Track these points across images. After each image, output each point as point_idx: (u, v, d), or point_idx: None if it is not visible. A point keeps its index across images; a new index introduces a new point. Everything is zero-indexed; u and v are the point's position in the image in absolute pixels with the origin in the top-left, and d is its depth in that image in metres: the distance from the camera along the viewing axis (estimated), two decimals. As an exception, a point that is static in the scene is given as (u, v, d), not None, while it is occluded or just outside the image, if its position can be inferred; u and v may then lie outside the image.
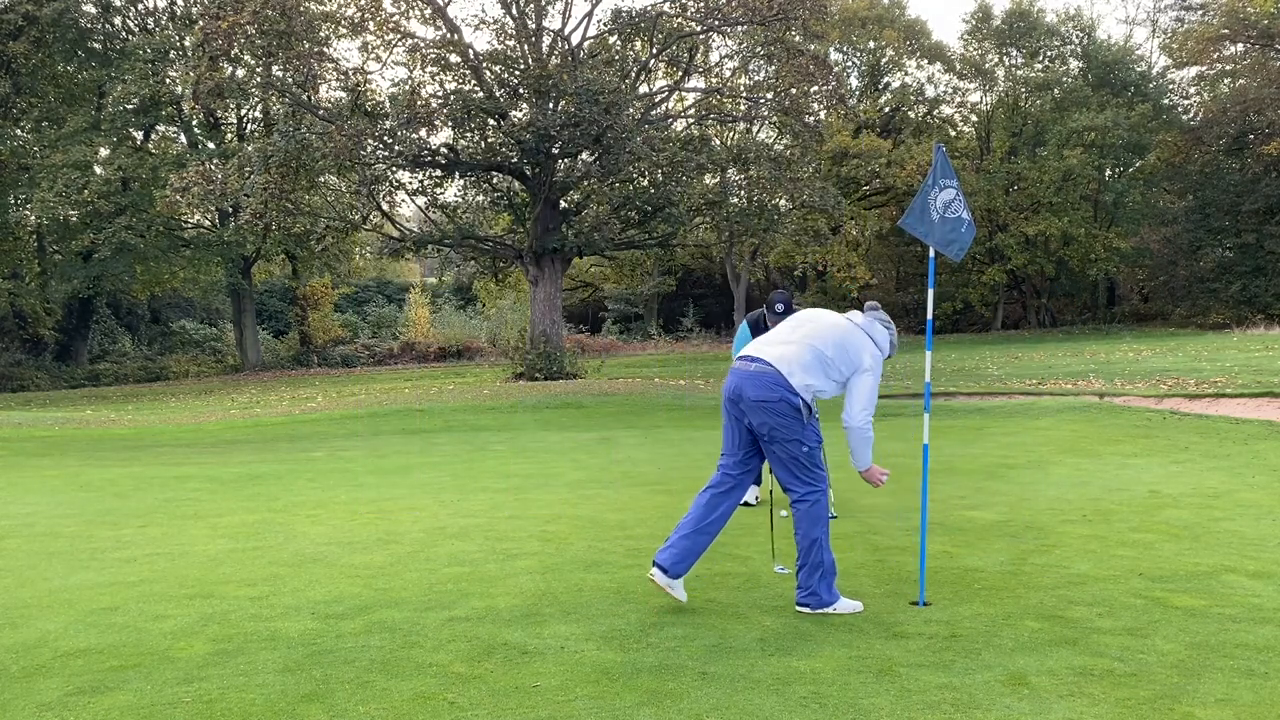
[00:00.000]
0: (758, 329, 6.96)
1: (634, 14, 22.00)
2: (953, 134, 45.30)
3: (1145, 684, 3.53)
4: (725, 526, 4.68)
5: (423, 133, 20.54)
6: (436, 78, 21.92)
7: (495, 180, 24.28)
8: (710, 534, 4.59)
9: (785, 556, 4.95)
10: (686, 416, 14.72)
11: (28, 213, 33.59)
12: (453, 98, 20.73)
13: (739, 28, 22.68)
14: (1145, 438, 10.40)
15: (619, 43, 22.91)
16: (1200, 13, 40.73)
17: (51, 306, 34.98)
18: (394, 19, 21.78)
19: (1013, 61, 43.44)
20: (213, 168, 21.54)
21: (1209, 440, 10.04)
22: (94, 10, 34.72)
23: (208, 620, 4.51)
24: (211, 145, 35.03)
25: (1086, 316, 43.98)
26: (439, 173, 23.29)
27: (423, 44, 21.63)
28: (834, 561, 4.51)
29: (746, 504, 7.01)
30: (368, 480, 9.14)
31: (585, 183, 22.41)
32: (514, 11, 22.46)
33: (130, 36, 35.09)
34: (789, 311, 6.79)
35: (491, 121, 21.68)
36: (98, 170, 32.87)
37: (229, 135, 35.95)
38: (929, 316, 5.01)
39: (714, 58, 26.53)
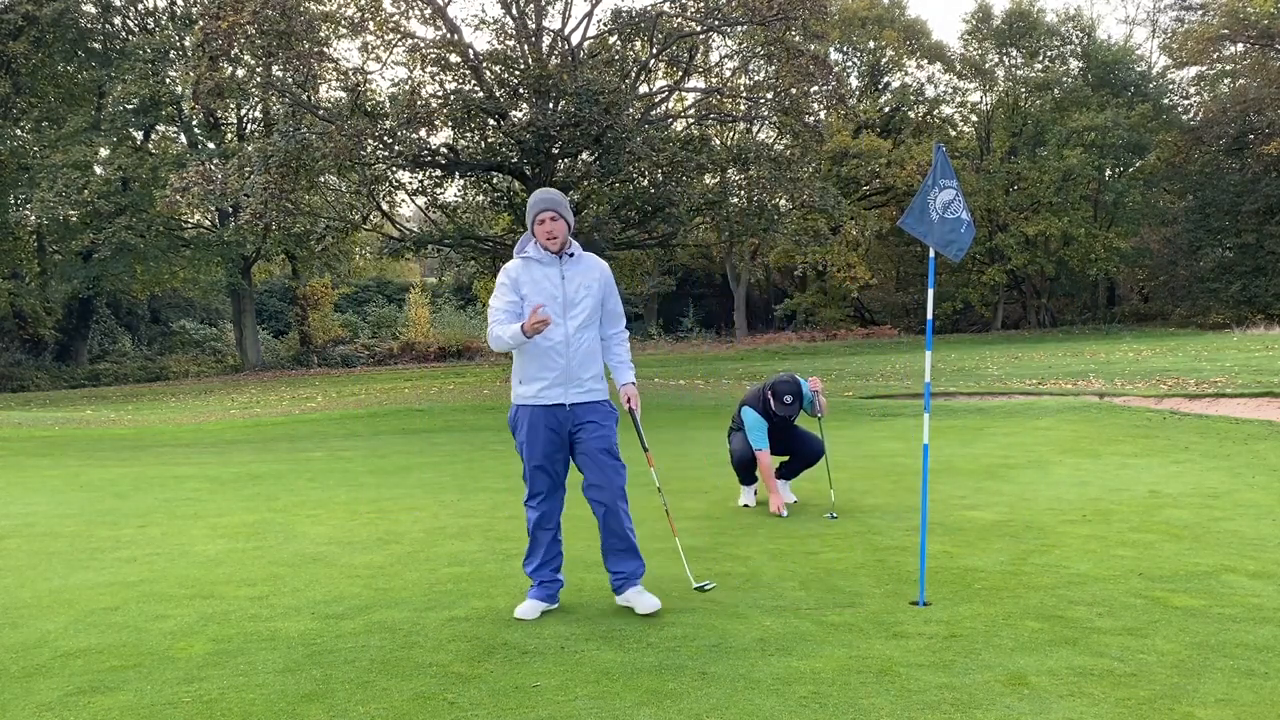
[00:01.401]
0: (766, 414, 6.88)
1: (634, 14, 21.98)
2: (953, 134, 45.33)
3: (1145, 684, 3.53)
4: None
5: (423, 133, 20.51)
6: (436, 78, 21.89)
7: (495, 180, 24.26)
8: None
9: (715, 575, 4.94)
10: (686, 416, 14.73)
11: (28, 213, 33.61)
12: (453, 98, 20.70)
13: (739, 28, 22.67)
14: (1145, 438, 10.39)
15: (619, 43, 22.88)
16: (1200, 13, 40.77)
17: (51, 306, 34.98)
18: (394, 19, 21.76)
19: (1013, 61, 43.47)
20: (213, 168, 21.49)
21: (1209, 440, 10.03)
22: (94, 10, 34.73)
23: (208, 620, 4.51)
24: (211, 145, 35.04)
25: (1086, 316, 44.00)
26: (439, 173, 23.27)
27: (423, 44, 21.61)
28: (537, 556, 4.55)
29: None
30: (368, 480, 9.14)
31: (585, 183, 22.40)
32: (514, 11, 22.45)
33: (130, 36, 35.11)
34: (798, 402, 6.74)
35: (491, 121, 21.67)
36: (98, 170, 32.89)
37: (229, 135, 35.96)
38: (929, 316, 5.01)
39: (714, 58, 26.53)
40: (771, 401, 6.78)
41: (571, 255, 4.45)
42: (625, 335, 4.68)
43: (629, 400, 4.61)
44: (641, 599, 4.48)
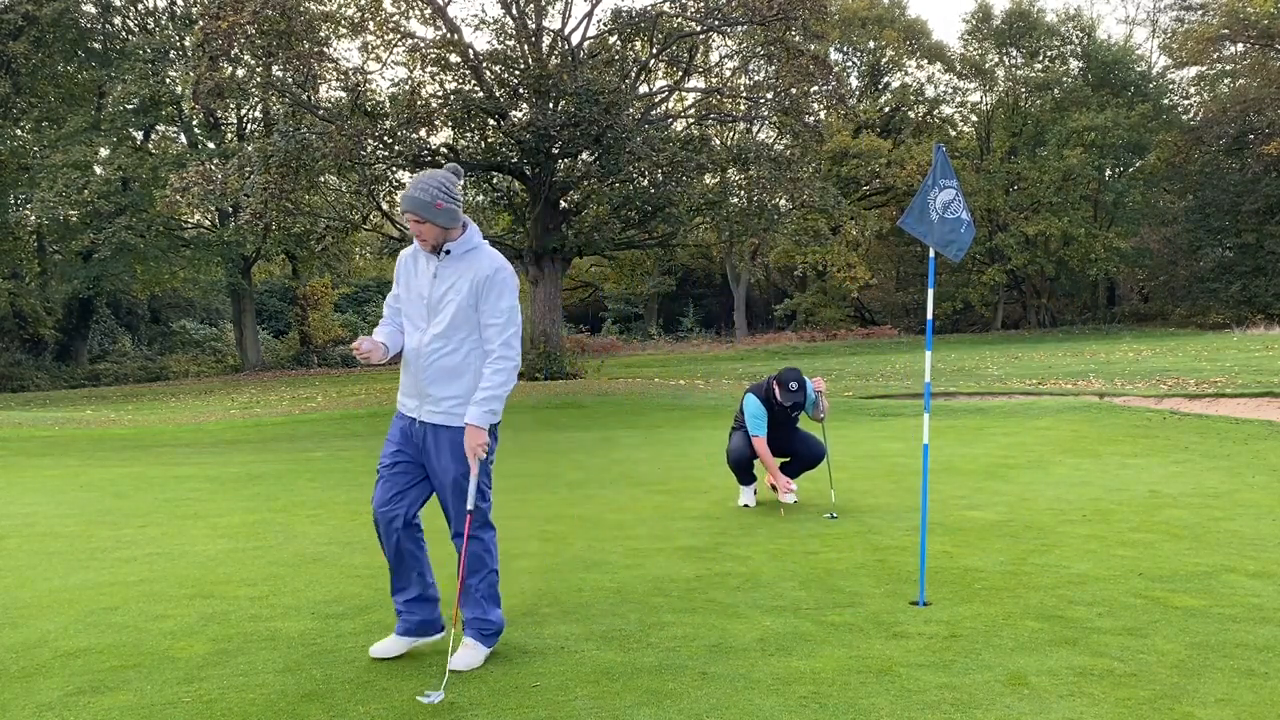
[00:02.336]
0: (769, 403, 6.89)
1: (634, 14, 22.00)
2: (953, 134, 45.36)
3: (1145, 684, 3.53)
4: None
5: (423, 133, 20.54)
6: (436, 78, 21.92)
7: (495, 180, 24.27)
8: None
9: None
10: (686, 416, 14.72)
11: (28, 213, 33.62)
12: (453, 98, 20.73)
13: (739, 28, 22.68)
14: (1145, 438, 10.39)
15: (619, 43, 22.90)
16: (1200, 13, 40.79)
17: (51, 306, 34.99)
18: (394, 19, 21.79)
19: (1013, 61, 43.49)
20: (213, 168, 21.51)
21: (1209, 440, 10.04)
22: (94, 10, 34.73)
23: (208, 620, 4.50)
24: (211, 145, 35.03)
25: (1086, 316, 44.02)
26: (439, 173, 23.26)
27: (423, 44, 21.63)
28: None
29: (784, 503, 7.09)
30: (368, 480, 9.08)
31: (585, 183, 22.41)
32: (514, 11, 22.46)
33: (130, 36, 35.11)
34: (803, 389, 6.75)
35: (491, 121, 21.69)
36: (98, 170, 32.88)
37: (229, 135, 35.96)
38: (929, 316, 5.01)
39: (714, 58, 26.57)
40: (777, 390, 6.78)
41: (448, 253, 3.79)
42: (500, 357, 3.77)
43: (468, 446, 3.76)
44: (463, 653, 3.85)
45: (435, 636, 3.99)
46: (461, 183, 3.81)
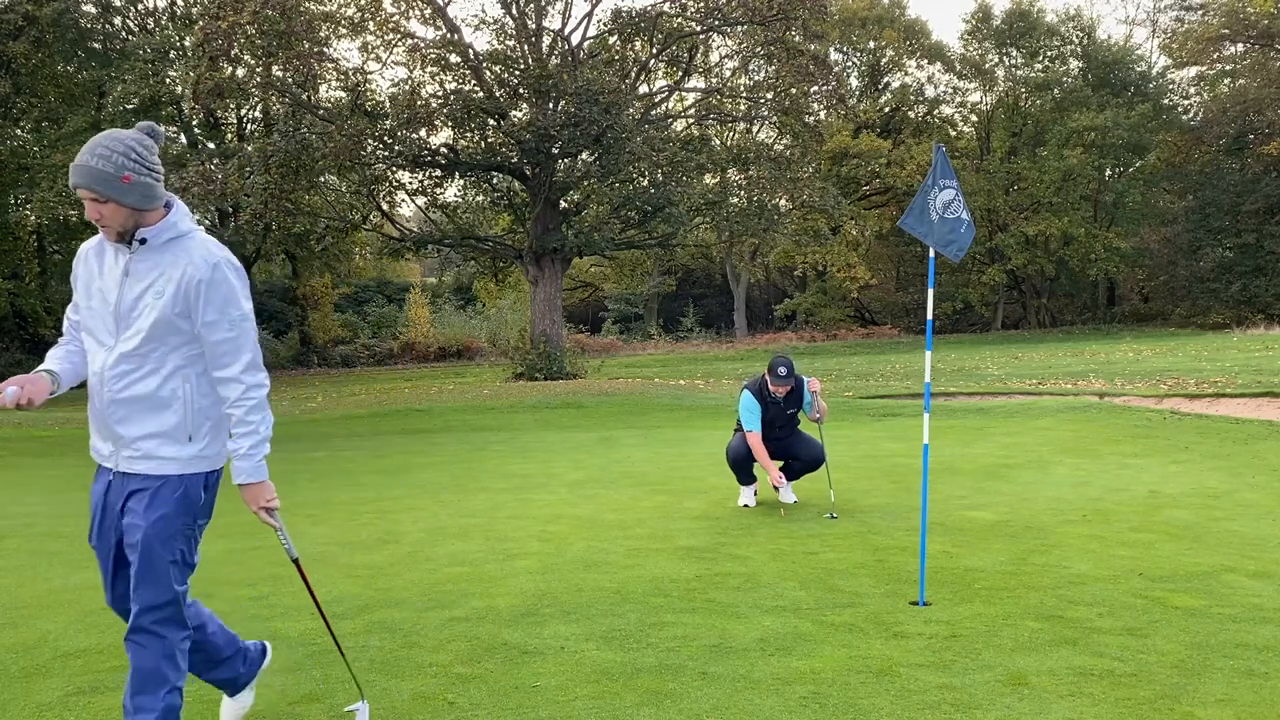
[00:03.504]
0: (762, 396, 6.91)
1: (634, 14, 22.03)
2: (953, 134, 45.37)
3: (1145, 684, 3.53)
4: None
5: (423, 133, 20.57)
6: (436, 78, 21.95)
7: (495, 180, 24.29)
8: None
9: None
10: (686, 416, 14.72)
11: (28, 213, 33.60)
12: (453, 98, 20.75)
13: (739, 28, 22.70)
14: (1145, 438, 10.39)
15: (619, 43, 22.93)
16: (1200, 13, 40.78)
17: (51, 306, 34.97)
18: (394, 19, 21.82)
19: (1013, 61, 43.48)
20: (213, 168, 21.51)
21: (1209, 440, 10.03)
22: (94, 10, 34.75)
23: (208, 620, 4.50)
24: (211, 145, 35.02)
25: (1086, 316, 44.02)
26: (439, 173, 23.31)
27: (423, 44, 21.65)
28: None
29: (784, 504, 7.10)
30: (368, 480, 9.14)
31: (585, 183, 22.43)
32: (514, 11, 22.47)
33: (130, 36, 35.11)
34: (792, 374, 6.78)
35: (491, 121, 21.71)
36: (98, 170, 32.84)
37: (229, 135, 35.96)
38: (929, 316, 5.01)
39: (714, 58, 26.60)
40: (768, 379, 6.80)
41: (144, 242, 2.81)
42: (256, 385, 2.90)
43: (253, 505, 3.08)
44: None
45: (266, 662, 3.37)
46: (160, 145, 2.88)
